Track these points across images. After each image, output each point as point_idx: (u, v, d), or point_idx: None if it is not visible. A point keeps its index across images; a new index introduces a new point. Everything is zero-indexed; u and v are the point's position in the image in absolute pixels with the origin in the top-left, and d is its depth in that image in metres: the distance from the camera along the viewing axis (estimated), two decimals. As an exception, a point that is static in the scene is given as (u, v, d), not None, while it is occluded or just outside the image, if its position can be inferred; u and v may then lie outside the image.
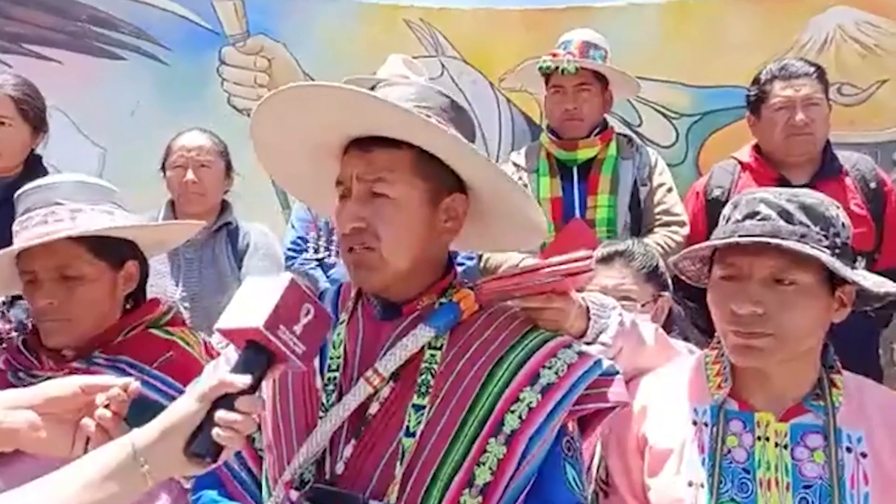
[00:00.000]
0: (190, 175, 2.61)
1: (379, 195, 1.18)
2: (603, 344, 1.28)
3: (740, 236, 1.29)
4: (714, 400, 1.34)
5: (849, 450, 1.28)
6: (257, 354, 0.98)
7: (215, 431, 0.93)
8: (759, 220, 1.29)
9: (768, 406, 1.32)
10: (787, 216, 1.28)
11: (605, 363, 1.21)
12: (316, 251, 2.84)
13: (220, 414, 0.94)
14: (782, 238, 1.25)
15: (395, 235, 1.17)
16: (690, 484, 1.30)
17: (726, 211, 1.37)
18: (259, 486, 1.22)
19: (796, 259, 1.25)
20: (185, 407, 0.95)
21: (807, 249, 1.24)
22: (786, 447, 1.29)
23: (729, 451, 1.31)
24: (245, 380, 0.96)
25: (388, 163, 1.18)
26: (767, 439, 1.30)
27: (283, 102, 1.18)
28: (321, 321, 1.02)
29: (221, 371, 1.24)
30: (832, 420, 1.28)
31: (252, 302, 0.99)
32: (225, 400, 0.95)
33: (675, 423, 1.37)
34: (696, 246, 1.39)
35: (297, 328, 0.98)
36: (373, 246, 1.17)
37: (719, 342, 1.38)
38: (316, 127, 1.21)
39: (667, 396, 1.40)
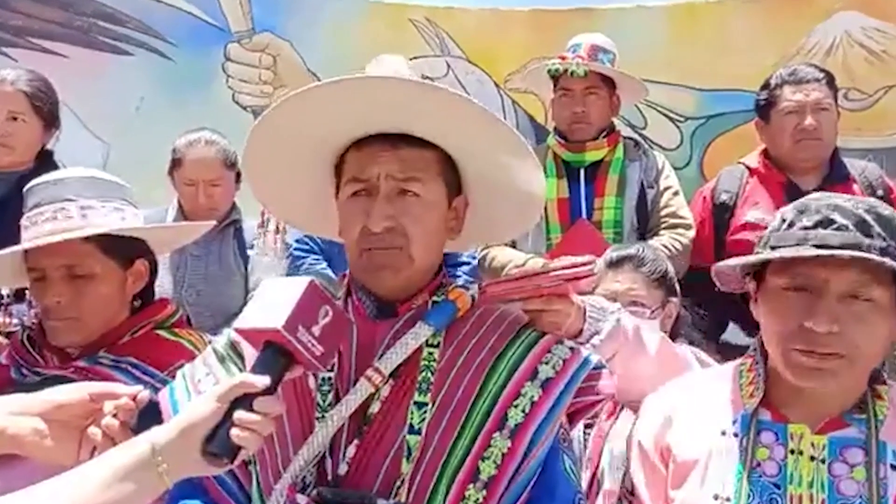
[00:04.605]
0: (202, 199, 2.58)
1: (407, 194, 1.18)
2: (593, 346, 1.28)
3: (815, 245, 1.17)
4: (745, 409, 1.25)
5: (893, 467, 1.17)
6: (276, 355, 0.98)
7: (234, 432, 0.93)
8: (834, 229, 1.17)
9: (804, 418, 1.23)
10: (865, 228, 1.17)
11: (594, 358, 1.23)
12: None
13: (239, 414, 0.93)
14: (864, 251, 1.14)
15: (423, 235, 1.19)
16: (716, 497, 1.22)
17: (787, 215, 1.24)
18: (246, 494, 1.19)
19: (875, 274, 1.16)
20: (203, 407, 0.94)
21: None
22: (823, 461, 1.19)
23: (759, 464, 1.22)
24: (264, 381, 0.96)
25: (419, 161, 1.19)
26: (801, 453, 1.21)
27: (322, 93, 1.15)
28: (339, 323, 1.02)
29: (215, 373, 1.22)
30: (874, 433, 1.19)
31: (271, 303, 0.99)
32: (244, 400, 0.94)
33: (702, 433, 1.28)
34: (773, 254, 1.21)
35: (316, 330, 0.99)
36: (401, 245, 1.17)
37: (755, 350, 1.30)
38: (347, 121, 1.19)
39: (694, 405, 1.32)
